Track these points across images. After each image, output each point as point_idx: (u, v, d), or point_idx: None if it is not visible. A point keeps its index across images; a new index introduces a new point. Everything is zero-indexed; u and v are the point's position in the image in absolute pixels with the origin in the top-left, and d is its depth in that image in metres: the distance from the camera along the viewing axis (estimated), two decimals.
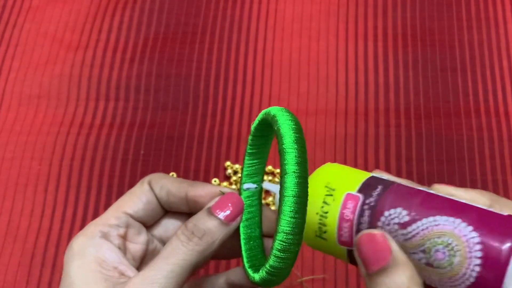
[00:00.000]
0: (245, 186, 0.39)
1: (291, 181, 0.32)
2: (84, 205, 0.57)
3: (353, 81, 0.62)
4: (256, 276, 0.36)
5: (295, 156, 0.33)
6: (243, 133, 0.60)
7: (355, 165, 0.57)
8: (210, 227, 0.36)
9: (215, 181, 0.57)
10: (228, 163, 0.58)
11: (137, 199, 0.39)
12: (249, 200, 0.39)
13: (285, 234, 0.32)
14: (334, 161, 0.58)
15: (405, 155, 0.58)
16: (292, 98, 0.62)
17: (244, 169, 0.39)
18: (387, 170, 0.57)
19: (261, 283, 0.36)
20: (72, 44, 0.66)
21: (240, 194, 0.39)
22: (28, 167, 0.58)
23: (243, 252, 0.38)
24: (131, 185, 0.57)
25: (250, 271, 0.37)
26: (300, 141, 0.33)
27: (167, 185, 0.39)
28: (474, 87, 0.62)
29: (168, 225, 0.40)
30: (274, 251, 0.33)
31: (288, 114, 0.35)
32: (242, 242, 0.38)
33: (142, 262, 0.39)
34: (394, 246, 0.32)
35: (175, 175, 0.57)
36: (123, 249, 0.38)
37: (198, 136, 0.60)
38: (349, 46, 0.64)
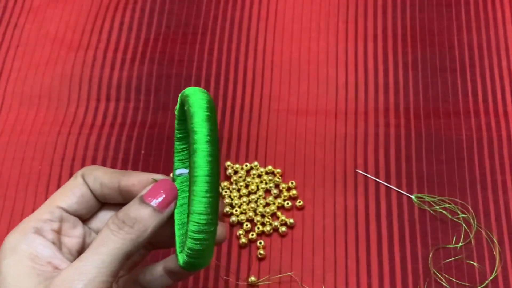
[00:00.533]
0: (178, 171, 0.39)
1: (200, 160, 0.32)
2: None
3: (353, 81, 0.63)
4: (180, 260, 0.35)
5: (205, 135, 0.32)
6: (243, 133, 0.60)
7: (355, 165, 0.58)
8: (142, 215, 0.36)
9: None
10: (228, 163, 0.58)
11: (70, 193, 0.38)
12: (182, 186, 0.38)
13: (197, 215, 0.32)
14: (334, 161, 0.58)
15: (404, 155, 0.58)
16: (292, 98, 0.62)
17: (175, 155, 0.39)
18: (387, 170, 0.57)
19: (185, 267, 0.35)
20: (73, 44, 0.66)
21: (173, 180, 0.39)
22: (29, 167, 0.59)
23: (176, 238, 0.37)
24: None
25: (179, 256, 0.36)
26: (210, 119, 0.33)
27: (99, 176, 0.38)
28: (473, 87, 0.62)
29: (105, 217, 0.40)
30: (189, 233, 0.33)
31: (201, 93, 0.34)
32: (176, 228, 0.37)
33: (79, 255, 0.39)
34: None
35: None
36: (58, 244, 0.37)
37: None
38: (349, 47, 0.65)
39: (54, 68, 0.64)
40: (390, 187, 0.56)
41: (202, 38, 0.66)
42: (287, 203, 0.56)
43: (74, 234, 0.39)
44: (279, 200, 0.56)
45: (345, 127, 0.60)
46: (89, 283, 0.34)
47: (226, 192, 0.57)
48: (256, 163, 0.58)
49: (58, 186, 0.57)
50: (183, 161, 0.39)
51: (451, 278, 0.52)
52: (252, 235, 0.54)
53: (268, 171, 0.58)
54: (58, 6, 0.68)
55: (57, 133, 0.60)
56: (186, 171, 0.39)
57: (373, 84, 0.62)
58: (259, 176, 0.58)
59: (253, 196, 0.56)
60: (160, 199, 0.36)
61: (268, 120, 0.61)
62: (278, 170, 0.58)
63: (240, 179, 0.57)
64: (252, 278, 0.52)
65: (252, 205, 0.56)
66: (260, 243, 0.54)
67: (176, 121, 0.38)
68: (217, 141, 0.33)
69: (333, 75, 0.63)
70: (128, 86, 0.63)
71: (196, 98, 0.33)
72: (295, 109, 0.61)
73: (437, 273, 0.52)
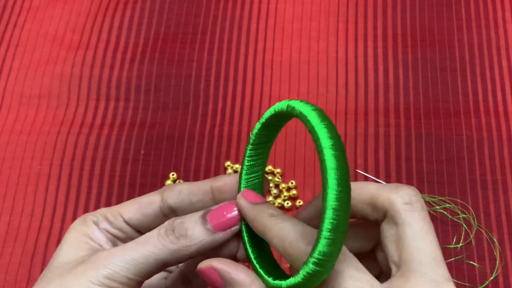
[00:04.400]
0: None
1: (327, 155, 0.29)
2: (85, 205, 0.57)
3: (353, 81, 0.62)
4: (295, 278, 0.31)
5: (325, 131, 0.30)
6: (243, 132, 0.60)
7: (355, 165, 0.58)
8: (194, 231, 0.35)
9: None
10: (228, 162, 0.58)
11: (138, 208, 0.38)
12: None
13: (333, 211, 0.29)
14: None
15: (404, 155, 0.58)
16: (292, 98, 0.62)
17: (242, 182, 0.38)
18: (387, 170, 0.57)
19: (305, 282, 0.31)
20: (72, 44, 0.66)
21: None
22: (28, 167, 0.59)
23: (256, 264, 0.35)
24: (132, 185, 0.58)
25: (271, 280, 0.33)
26: (328, 120, 0.31)
27: (185, 188, 0.38)
28: (473, 87, 0.62)
29: None
30: (323, 233, 0.29)
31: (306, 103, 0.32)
32: (251, 255, 0.36)
33: None
34: (225, 272, 0.34)
35: (175, 175, 0.57)
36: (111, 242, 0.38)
37: (199, 136, 0.60)
38: (349, 46, 0.65)
39: (53, 67, 0.64)
40: None
41: (202, 38, 0.66)
42: (287, 203, 0.56)
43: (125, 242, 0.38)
44: (279, 200, 0.56)
45: (345, 127, 0.60)
46: (111, 274, 0.34)
47: None
48: None
49: (58, 186, 0.57)
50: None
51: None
52: None
53: (268, 171, 0.58)
54: (58, 5, 0.68)
55: (56, 133, 0.60)
56: None
57: (373, 84, 0.62)
58: None
59: None
60: (221, 221, 0.35)
61: None
62: (278, 170, 0.58)
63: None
64: None
65: None
66: None
67: (249, 146, 0.37)
68: (339, 138, 0.30)
69: (333, 75, 0.63)
70: (127, 86, 0.63)
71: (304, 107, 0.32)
72: None
73: None
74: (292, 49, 0.65)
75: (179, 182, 0.57)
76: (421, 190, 0.56)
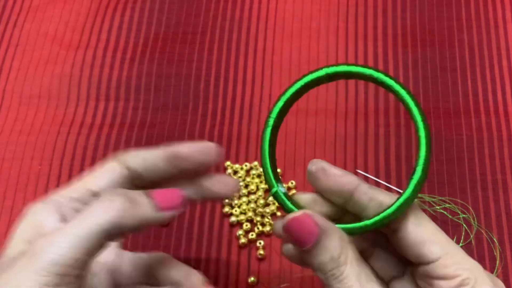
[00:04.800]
0: (283, 190, 0.38)
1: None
2: None
3: (353, 81, 0.62)
4: (404, 195, 0.37)
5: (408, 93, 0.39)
6: (243, 133, 0.60)
7: (355, 165, 0.58)
8: (141, 199, 0.35)
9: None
10: (228, 163, 0.58)
11: (103, 176, 0.38)
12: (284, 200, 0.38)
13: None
14: (334, 161, 0.58)
15: (404, 155, 0.58)
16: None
17: (271, 176, 0.38)
18: (387, 170, 0.57)
19: (413, 193, 0.37)
20: (72, 44, 0.66)
21: (276, 198, 0.38)
22: (28, 167, 0.59)
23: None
24: None
25: (367, 221, 0.36)
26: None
27: (149, 154, 0.39)
28: (473, 87, 0.62)
29: None
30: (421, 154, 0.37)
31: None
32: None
33: None
34: (320, 220, 0.34)
35: None
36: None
37: (198, 136, 0.60)
38: (349, 46, 0.65)
39: (53, 67, 0.64)
40: (390, 187, 0.56)
41: (202, 38, 0.66)
42: None
43: None
44: None
45: (345, 127, 0.60)
46: (56, 259, 0.32)
47: None
48: (256, 163, 0.58)
49: (58, 186, 0.57)
50: (278, 178, 0.38)
51: None
52: (252, 235, 0.54)
53: None
54: (58, 5, 0.68)
55: (56, 133, 0.60)
56: (283, 188, 0.38)
57: (373, 84, 0.62)
58: (259, 176, 0.57)
59: (252, 196, 0.56)
60: (164, 202, 0.36)
61: None
62: (278, 170, 0.58)
63: (240, 179, 0.57)
64: (252, 279, 0.52)
65: (252, 205, 0.55)
66: (260, 243, 0.54)
67: (268, 132, 0.39)
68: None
69: None
70: (127, 86, 0.63)
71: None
72: (295, 109, 0.61)
73: None
74: (292, 49, 0.65)
75: None
76: (421, 190, 0.56)
